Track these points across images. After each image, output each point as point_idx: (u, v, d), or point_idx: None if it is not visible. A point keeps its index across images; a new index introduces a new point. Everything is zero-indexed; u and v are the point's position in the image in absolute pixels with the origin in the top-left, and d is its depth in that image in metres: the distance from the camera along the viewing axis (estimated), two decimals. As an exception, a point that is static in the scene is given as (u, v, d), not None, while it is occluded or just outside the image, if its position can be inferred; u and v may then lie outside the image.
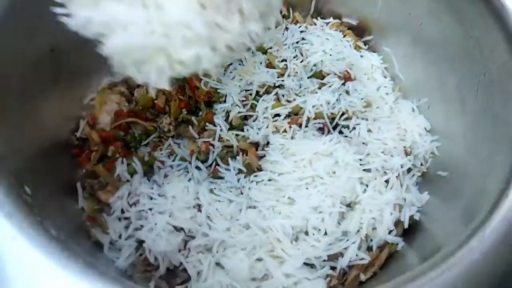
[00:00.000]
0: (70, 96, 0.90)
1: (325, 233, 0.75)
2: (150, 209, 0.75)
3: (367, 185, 0.80)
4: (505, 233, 0.53)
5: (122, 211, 0.76)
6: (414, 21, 0.90)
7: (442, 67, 0.86)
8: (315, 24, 1.05)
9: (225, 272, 0.72)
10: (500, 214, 0.53)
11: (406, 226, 0.80)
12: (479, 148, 0.72)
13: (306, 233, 0.75)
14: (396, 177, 0.83)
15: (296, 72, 0.92)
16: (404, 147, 0.89)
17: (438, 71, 0.88)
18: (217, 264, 0.73)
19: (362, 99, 0.92)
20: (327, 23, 1.06)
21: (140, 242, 0.73)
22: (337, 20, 1.06)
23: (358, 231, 0.76)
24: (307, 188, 0.77)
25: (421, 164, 0.89)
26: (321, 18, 1.07)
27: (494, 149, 0.67)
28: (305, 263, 0.73)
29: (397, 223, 0.80)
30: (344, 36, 1.04)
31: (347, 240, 0.76)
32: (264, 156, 0.82)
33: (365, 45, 1.05)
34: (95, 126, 0.90)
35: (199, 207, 0.75)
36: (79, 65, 0.89)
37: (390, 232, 0.78)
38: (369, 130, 0.88)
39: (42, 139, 0.78)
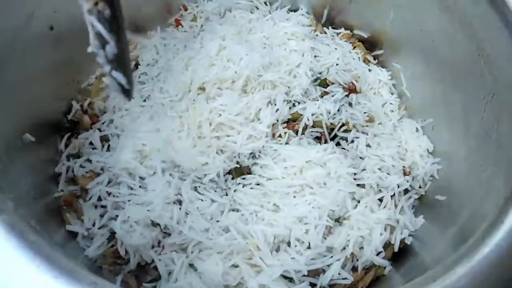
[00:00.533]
0: (67, 78, 0.89)
1: (308, 247, 0.71)
2: (129, 200, 0.72)
3: (358, 201, 0.77)
4: (498, 262, 0.48)
5: (100, 199, 0.73)
6: (426, 37, 0.86)
7: (450, 87, 0.82)
8: (325, 33, 1.03)
9: (198, 275, 0.68)
10: (493, 241, 0.49)
11: (396, 249, 0.75)
12: (480, 172, 0.67)
13: (288, 244, 0.71)
14: (391, 196, 0.79)
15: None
16: (404, 166, 0.85)
17: (446, 91, 0.84)
18: (191, 265, 0.69)
19: (365, 113, 0.89)
20: (338, 33, 1.03)
21: (114, 233, 0.70)
22: (348, 32, 1.04)
23: (344, 248, 0.72)
24: (294, 197, 0.73)
25: (420, 187, 0.85)
26: (333, 28, 1.05)
27: (494, 173, 0.62)
28: (283, 276, 0.68)
29: (387, 245, 0.76)
30: (354, 48, 1.01)
31: (331, 256, 0.71)
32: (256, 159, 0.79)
33: (374, 59, 1.02)
34: (88, 112, 0.88)
35: (179, 203, 0.72)
36: (79, 48, 0.88)
37: (378, 253, 0.74)
38: (368, 145, 0.84)
39: (33, 116, 0.76)
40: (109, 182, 0.75)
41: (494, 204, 0.58)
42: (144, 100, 0.86)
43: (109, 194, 0.73)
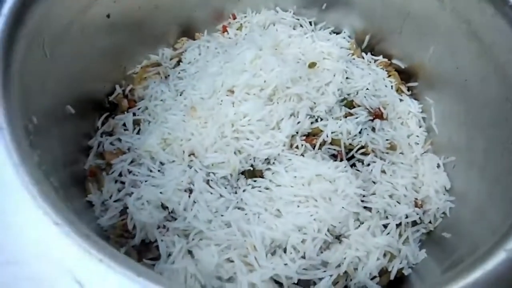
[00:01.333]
0: (116, 64, 0.98)
1: (303, 256, 0.72)
2: (146, 181, 0.77)
3: (362, 223, 0.77)
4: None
5: (120, 175, 0.80)
6: (460, 76, 0.86)
7: (475, 128, 0.82)
8: (363, 58, 1.05)
9: (194, 262, 0.71)
10: (484, 267, 0.48)
11: (392, 277, 0.75)
12: (487, 216, 0.67)
13: (285, 250, 0.73)
14: (397, 225, 0.79)
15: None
16: (416, 199, 0.85)
17: (470, 132, 0.83)
18: (189, 251, 0.73)
19: (387, 140, 0.90)
20: (375, 60, 1.05)
21: (126, 208, 0.75)
22: (386, 60, 1.05)
23: (338, 265, 0.73)
24: (298, 206, 0.75)
25: (430, 222, 0.84)
26: (372, 54, 1.07)
27: (501, 218, 0.61)
28: (274, 280, 0.71)
29: (384, 272, 0.76)
30: (389, 76, 1.03)
31: (325, 271, 0.73)
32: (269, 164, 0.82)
33: (408, 90, 1.03)
34: (128, 96, 0.95)
35: (190, 191, 0.76)
36: (131, 38, 0.97)
37: (373, 278, 0.74)
38: (383, 171, 0.85)
39: (79, 92, 0.84)
40: (132, 162, 0.81)
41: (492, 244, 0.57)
42: (181, 94, 0.92)
43: (129, 172, 0.79)
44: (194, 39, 1.08)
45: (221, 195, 0.77)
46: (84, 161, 0.83)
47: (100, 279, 0.41)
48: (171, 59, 1.03)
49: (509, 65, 0.73)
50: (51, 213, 0.44)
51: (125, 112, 0.91)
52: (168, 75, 0.98)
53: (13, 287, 0.39)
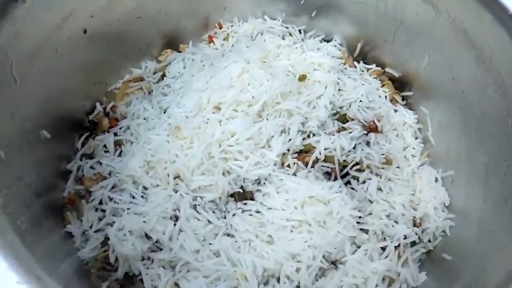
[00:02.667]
0: (96, 79, 0.93)
1: (298, 286, 0.68)
2: (128, 208, 0.73)
3: (359, 246, 0.73)
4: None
5: (101, 202, 0.75)
6: (457, 86, 0.83)
7: (475, 141, 0.78)
8: (355, 67, 1.01)
9: (181, 296, 0.67)
10: None
11: (391, 303, 0.72)
12: (491, 237, 0.63)
13: (278, 279, 0.69)
14: (396, 247, 0.76)
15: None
16: (414, 217, 0.81)
17: (470, 145, 0.80)
18: (176, 284, 0.68)
19: (382, 154, 0.86)
20: (368, 69, 1.01)
21: (108, 239, 0.71)
22: (379, 68, 1.01)
23: (335, 293, 0.69)
24: (291, 231, 0.71)
25: (429, 241, 0.80)
26: (364, 62, 1.03)
27: (505, 241, 0.58)
28: (267, 313, 0.67)
29: (383, 297, 0.72)
30: (383, 86, 0.99)
31: (321, 301, 0.69)
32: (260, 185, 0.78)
33: (403, 100, 0.99)
34: (109, 114, 0.90)
35: (176, 219, 0.72)
36: (110, 53, 0.92)
37: (372, 305, 0.70)
38: (379, 189, 0.81)
39: (56, 111, 0.79)
40: (113, 187, 0.76)
41: (502, 272, 0.53)
42: (164, 112, 0.87)
43: (110, 199, 0.75)
44: (179, 51, 1.03)
45: (209, 221, 0.73)
46: (63, 187, 0.78)
47: None
48: (154, 72, 0.98)
49: (509, 77, 0.70)
50: (15, 271, 0.39)
51: (106, 132, 0.86)
52: (152, 90, 0.93)
53: None
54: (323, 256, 0.70)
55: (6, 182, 0.53)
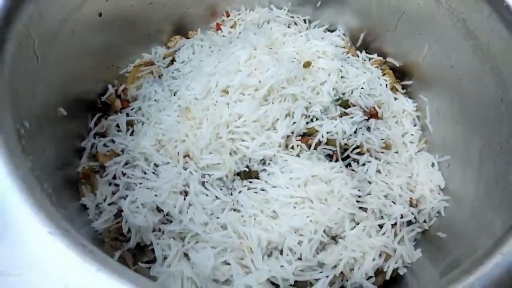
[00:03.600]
0: (108, 63, 0.97)
1: (300, 258, 0.72)
2: (140, 183, 0.77)
3: (358, 223, 0.77)
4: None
5: (114, 177, 0.79)
6: (455, 75, 0.87)
7: (470, 128, 0.82)
8: (358, 56, 1.04)
9: (190, 265, 0.71)
10: (480, 271, 0.49)
11: (387, 277, 0.76)
12: (482, 215, 0.67)
13: (281, 252, 0.73)
14: (392, 225, 0.80)
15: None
16: (411, 198, 0.85)
17: (465, 131, 0.83)
18: (185, 254, 0.72)
19: (382, 139, 0.90)
20: (370, 58, 1.05)
21: (121, 211, 0.75)
22: (381, 58, 1.05)
23: (335, 266, 0.73)
24: (294, 208, 0.75)
25: (425, 221, 0.84)
26: (367, 52, 1.06)
27: (494, 219, 0.62)
28: (270, 281, 0.71)
29: (380, 272, 0.76)
30: (384, 74, 1.03)
31: (321, 272, 0.73)
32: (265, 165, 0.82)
33: (403, 88, 1.03)
34: (121, 96, 0.94)
35: (185, 194, 0.76)
36: (123, 37, 0.95)
37: (369, 278, 0.74)
38: (378, 171, 0.85)
39: (71, 92, 0.83)
40: (126, 164, 0.80)
41: (488, 244, 0.57)
42: (174, 94, 0.91)
43: (123, 174, 0.79)
44: (188, 38, 1.07)
45: (216, 197, 0.76)
46: (77, 163, 0.82)
47: (96, 289, 0.41)
48: (164, 57, 1.02)
49: (505, 65, 0.73)
50: (45, 222, 0.43)
51: (118, 113, 0.90)
52: (162, 75, 0.96)
53: (9, 301, 0.39)
54: (324, 231, 0.73)
55: (32, 150, 0.56)
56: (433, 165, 0.90)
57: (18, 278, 0.40)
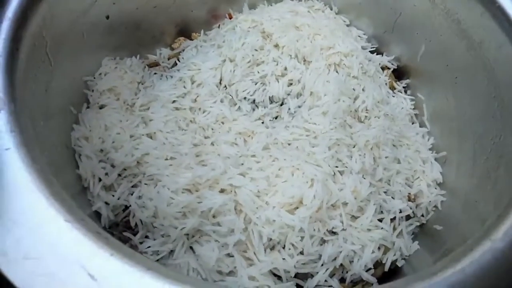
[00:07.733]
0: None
1: (301, 252, 0.75)
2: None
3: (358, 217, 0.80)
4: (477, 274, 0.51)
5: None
6: (450, 73, 0.89)
7: (465, 124, 0.85)
8: (356, 57, 1.07)
9: (195, 257, 0.74)
10: (462, 265, 0.52)
11: (386, 269, 0.78)
12: (474, 207, 0.70)
13: (284, 246, 0.75)
14: (391, 219, 0.82)
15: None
16: (409, 193, 0.87)
17: (461, 128, 0.86)
18: (190, 247, 0.75)
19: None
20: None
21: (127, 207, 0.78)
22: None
23: (334, 258, 0.76)
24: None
25: (422, 215, 0.87)
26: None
27: (485, 210, 0.65)
28: (272, 273, 0.73)
29: (378, 264, 0.78)
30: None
31: (322, 264, 0.75)
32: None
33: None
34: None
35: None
36: (128, 39, 0.99)
37: (368, 270, 0.77)
38: (378, 168, 0.87)
39: (79, 92, 0.86)
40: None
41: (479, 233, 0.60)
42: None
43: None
44: (191, 39, 1.10)
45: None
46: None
47: (113, 273, 0.44)
48: (169, 58, 1.05)
49: (497, 63, 0.76)
50: (62, 211, 0.47)
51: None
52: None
53: (29, 283, 0.42)
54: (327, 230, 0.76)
55: (47, 146, 0.60)
56: (430, 161, 0.93)
57: (40, 263, 0.43)
